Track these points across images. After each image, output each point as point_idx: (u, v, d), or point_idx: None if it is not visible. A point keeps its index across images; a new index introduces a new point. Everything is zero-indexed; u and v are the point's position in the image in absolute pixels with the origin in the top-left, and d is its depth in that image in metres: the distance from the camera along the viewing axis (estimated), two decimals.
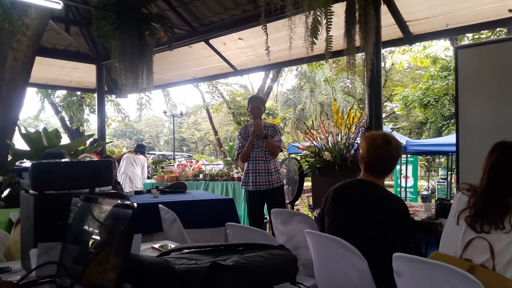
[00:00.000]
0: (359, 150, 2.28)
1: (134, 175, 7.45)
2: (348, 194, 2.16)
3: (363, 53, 3.20)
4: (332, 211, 2.17)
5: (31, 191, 1.50)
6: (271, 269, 1.18)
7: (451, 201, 2.07)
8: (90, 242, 1.19)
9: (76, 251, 1.24)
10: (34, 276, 1.31)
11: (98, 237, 1.18)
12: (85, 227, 1.25)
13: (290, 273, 1.29)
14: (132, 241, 1.08)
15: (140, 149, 8.08)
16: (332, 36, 2.87)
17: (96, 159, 4.27)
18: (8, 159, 4.26)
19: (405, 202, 2.18)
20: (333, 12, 2.81)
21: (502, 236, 1.66)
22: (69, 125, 12.98)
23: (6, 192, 3.48)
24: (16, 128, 4.41)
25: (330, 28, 2.83)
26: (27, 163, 1.58)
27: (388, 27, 4.28)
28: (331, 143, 4.08)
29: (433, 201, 9.93)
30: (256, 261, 1.15)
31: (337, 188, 2.23)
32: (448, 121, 15.39)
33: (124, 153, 8.45)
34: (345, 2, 3.12)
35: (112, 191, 1.69)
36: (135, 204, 1.08)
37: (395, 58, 17.56)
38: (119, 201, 1.14)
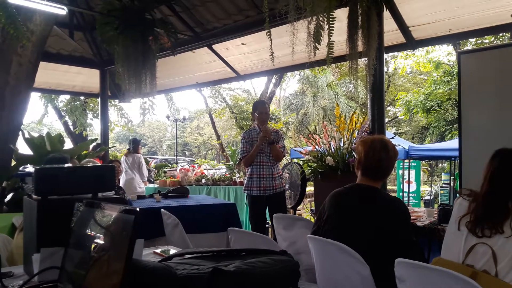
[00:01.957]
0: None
1: (132, 180, 6.87)
2: (348, 199, 2.15)
3: (366, 58, 3.20)
4: (333, 217, 2.16)
5: (34, 196, 1.51)
6: (273, 275, 1.18)
7: None
8: (93, 247, 1.20)
9: (78, 256, 1.24)
10: (36, 281, 1.32)
11: (100, 242, 1.18)
12: (87, 232, 1.25)
13: (292, 279, 1.29)
14: (134, 246, 1.08)
15: (132, 144, 7.09)
16: (333, 41, 2.87)
17: (99, 164, 4.29)
18: (12, 164, 4.28)
19: (407, 207, 2.18)
20: (335, 17, 2.82)
21: (503, 240, 1.67)
22: (72, 129, 13.05)
23: (9, 197, 3.49)
24: (20, 132, 4.44)
25: (332, 33, 2.84)
26: (30, 168, 1.59)
27: (391, 32, 4.29)
28: (333, 148, 4.08)
29: (435, 206, 9.91)
30: (257, 266, 1.15)
31: (335, 194, 2.22)
32: (451, 126, 15.35)
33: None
34: (347, 8, 3.13)
35: (115, 196, 1.69)
36: (138, 209, 1.08)
37: (398, 63, 17.54)
38: (121, 206, 1.14)
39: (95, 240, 1.20)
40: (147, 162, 10.08)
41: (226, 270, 1.07)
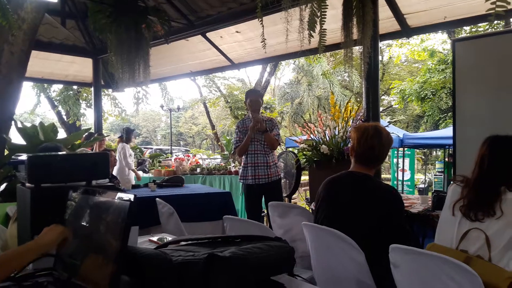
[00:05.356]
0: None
1: (120, 169, 6.71)
2: (341, 187, 2.16)
3: (361, 46, 3.19)
4: (326, 204, 2.17)
5: (27, 184, 1.50)
6: (268, 260, 1.18)
7: None
8: (88, 234, 1.19)
9: (73, 244, 1.23)
10: (31, 269, 1.31)
11: (95, 229, 1.17)
12: (82, 219, 1.25)
13: (287, 265, 1.29)
14: (129, 233, 1.08)
15: (125, 134, 6.97)
16: (326, 29, 2.85)
17: (93, 152, 4.26)
18: (5, 154, 4.24)
19: (402, 195, 2.19)
20: (327, 5, 2.80)
21: (494, 222, 1.71)
22: (65, 119, 12.96)
23: (2, 187, 3.46)
24: (13, 122, 4.39)
25: (324, 21, 2.82)
26: (23, 156, 1.58)
27: (386, 20, 4.27)
28: (328, 137, 4.09)
29: (429, 194, 9.97)
30: (253, 252, 1.15)
31: (329, 182, 2.22)
32: (445, 114, 15.41)
33: None
34: None
35: (109, 183, 1.68)
36: (133, 196, 1.08)
37: (393, 52, 17.53)
38: (116, 193, 1.14)
39: (90, 227, 1.19)
40: (141, 152, 10.03)
41: (221, 256, 1.07)
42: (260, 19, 2.88)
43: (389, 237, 1.89)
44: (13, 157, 1.99)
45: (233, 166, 7.27)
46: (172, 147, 19.21)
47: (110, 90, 10.02)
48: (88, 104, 12.51)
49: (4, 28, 3.85)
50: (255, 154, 4.21)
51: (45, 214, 1.36)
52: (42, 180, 1.45)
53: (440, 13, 4.13)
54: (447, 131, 9.57)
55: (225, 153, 9.59)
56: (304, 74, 20.55)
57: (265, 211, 4.63)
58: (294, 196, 5.84)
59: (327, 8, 2.79)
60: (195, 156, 9.46)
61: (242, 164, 4.37)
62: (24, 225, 1.48)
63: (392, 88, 17.46)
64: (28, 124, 4.46)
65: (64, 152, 2.56)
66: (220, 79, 19.11)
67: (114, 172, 6.58)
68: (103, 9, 4.09)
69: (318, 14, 2.78)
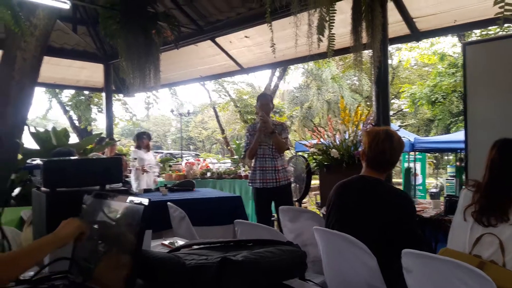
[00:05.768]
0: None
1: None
2: (352, 191, 2.15)
3: (370, 50, 3.18)
4: (337, 209, 2.17)
5: (43, 189, 1.52)
6: (280, 265, 1.19)
7: None
8: (102, 238, 1.21)
9: (88, 247, 1.25)
10: (47, 272, 1.33)
11: (110, 233, 1.19)
12: (97, 223, 1.27)
13: (299, 269, 1.30)
14: (144, 237, 1.09)
15: (136, 139, 6.94)
16: (335, 34, 2.86)
17: (106, 157, 4.30)
18: (19, 158, 4.30)
19: (414, 199, 2.18)
20: (335, 10, 2.80)
21: (508, 227, 1.69)
22: (77, 124, 13.10)
23: (17, 191, 3.50)
24: (26, 127, 4.45)
25: (333, 26, 2.83)
26: (38, 161, 1.61)
27: (395, 24, 4.26)
28: (338, 141, 4.08)
29: (441, 198, 9.85)
30: (265, 256, 1.16)
31: (340, 186, 2.22)
32: (456, 118, 15.26)
33: None
34: None
35: (122, 188, 1.70)
36: (147, 201, 1.09)
37: (402, 55, 17.49)
38: (130, 197, 1.16)
39: (105, 231, 1.21)
40: None
41: (234, 259, 1.08)
42: (269, 24, 2.90)
43: (401, 241, 1.88)
44: (28, 161, 2.03)
45: (243, 170, 7.28)
46: (182, 152, 19.30)
47: (121, 95, 10.13)
48: (99, 109, 12.65)
49: (17, 34, 3.92)
50: (264, 158, 4.21)
51: (60, 218, 1.38)
52: (58, 184, 1.48)
53: (450, 17, 4.11)
54: (459, 135, 9.48)
55: (235, 157, 9.61)
56: (313, 78, 20.50)
57: (275, 216, 4.63)
58: (304, 200, 5.83)
59: (335, 12, 2.80)
60: (205, 160, 9.50)
61: (251, 168, 4.38)
62: (40, 229, 1.51)
63: (402, 92, 17.35)
64: (41, 129, 4.52)
65: (76, 157, 2.60)
66: (229, 84, 19.21)
67: (132, 176, 6.60)
68: (113, 15, 4.14)
69: (327, 18, 2.79)
